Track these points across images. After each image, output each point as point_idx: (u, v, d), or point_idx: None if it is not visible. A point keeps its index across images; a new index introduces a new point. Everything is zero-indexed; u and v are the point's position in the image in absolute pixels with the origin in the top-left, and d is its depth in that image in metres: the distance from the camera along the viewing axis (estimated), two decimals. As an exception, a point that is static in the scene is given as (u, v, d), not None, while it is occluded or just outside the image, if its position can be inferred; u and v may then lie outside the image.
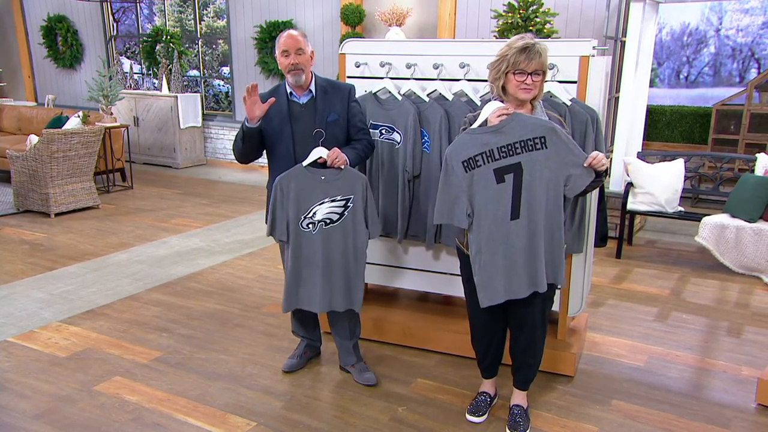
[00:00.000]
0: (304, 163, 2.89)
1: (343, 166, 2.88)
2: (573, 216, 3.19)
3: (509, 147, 2.47)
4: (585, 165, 2.47)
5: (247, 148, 3.00)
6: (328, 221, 2.92)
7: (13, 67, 11.06)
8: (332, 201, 2.91)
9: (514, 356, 2.82)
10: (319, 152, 2.87)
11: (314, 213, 2.92)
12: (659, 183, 5.21)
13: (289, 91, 3.01)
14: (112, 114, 7.50)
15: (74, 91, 10.45)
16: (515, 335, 2.77)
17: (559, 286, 2.72)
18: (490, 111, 2.49)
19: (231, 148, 3.06)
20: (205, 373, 3.30)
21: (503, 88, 2.54)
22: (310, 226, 2.93)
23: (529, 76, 2.46)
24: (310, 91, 3.01)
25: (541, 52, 2.45)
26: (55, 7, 10.24)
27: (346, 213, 2.93)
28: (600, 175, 2.53)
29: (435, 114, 3.25)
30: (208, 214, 6.59)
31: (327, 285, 2.96)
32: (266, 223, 3.13)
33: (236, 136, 3.02)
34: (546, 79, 3.00)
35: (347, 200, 2.92)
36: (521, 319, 2.68)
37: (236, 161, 3.07)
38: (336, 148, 2.89)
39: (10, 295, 4.33)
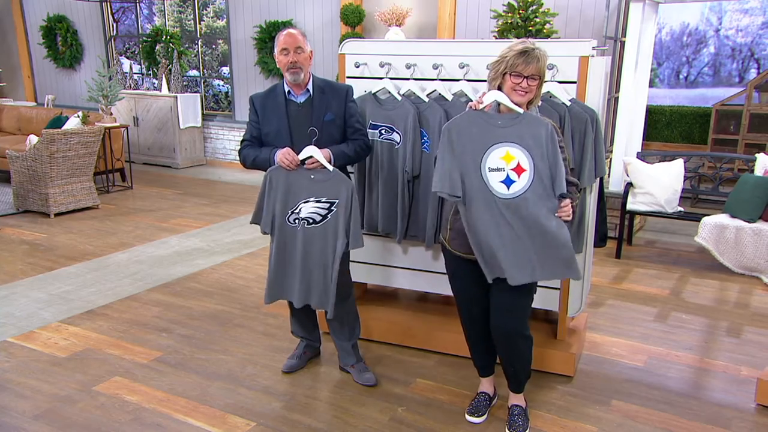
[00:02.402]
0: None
1: (331, 168, 2.90)
2: (573, 216, 3.18)
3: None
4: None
5: (261, 167, 3.04)
6: (310, 220, 2.94)
7: (12, 67, 11.06)
8: (317, 201, 2.93)
9: (500, 363, 2.83)
10: (310, 151, 2.88)
11: (300, 209, 2.94)
12: (659, 183, 5.21)
13: (287, 90, 3.02)
14: (111, 114, 7.50)
15: (74, 91, 10.45)
16: (495, 345, 2.77)
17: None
18: (494, 97, 2.52)
19: (239, 157, 3.13)
20: (205, 374, 3.30)
21: (500, 88, 2.56)
22: (296, 221, 2.95)
23: (525, 80, 2.48)
24: (308, 90, 3.02)
25: (539, 58, 2.47)
26: (54, 7, 10.24)
27: (329, 216, 2.94)
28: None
29: (435, 114, 3.25)
30: (208, 214, 6.60)
31: (304, 281, 2.98)
32: None
33: (250, 155, 3.03)
34: (546, 80, 3.01)
35: (332, 204, 2.93)
36: (497, 328, 2.68)
37: (241, 165, 3.15)
38: (327, 150, 2.93)
39: (10, 296, 4.33)
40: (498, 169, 2.50)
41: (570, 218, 2.56)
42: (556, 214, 2.52)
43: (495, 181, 2.50)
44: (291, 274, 3.01)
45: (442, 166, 2.56)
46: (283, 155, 2.89)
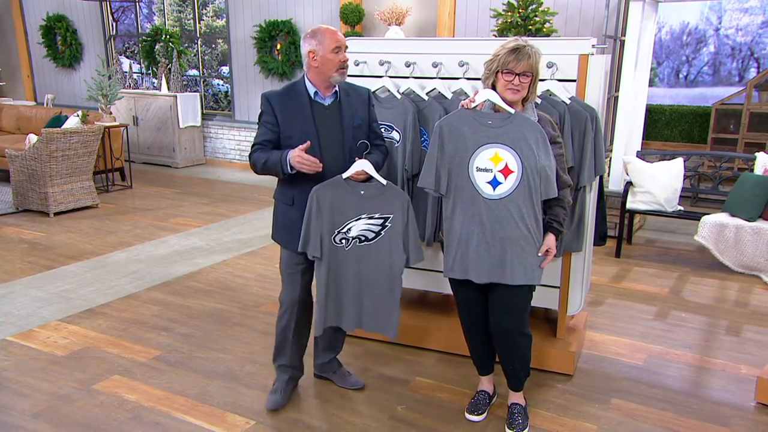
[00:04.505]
0: (344, 175, 2.68)
1: (384, 182, 2.73)
2: (572, 214, 3.19)
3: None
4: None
5: (273, 172, 2.72)
6: (362, 238, 2.73)
7: (12, 67, 11.05)
8: (369, 218, 2.71)
9: (500, 361, 2.83)
10: (361, 165, 2.65)
11: (349, 228, 2.71)
12: (658, 182, 5.21)
13: (313, 91, 2.74)
14: (111, 113, 7.50)
15: (73, 90, 10.44)
16: (494, 343, 2.78)
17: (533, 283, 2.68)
18: (486, 96, 2.53)
19: (250, 162, 2.75)
20: (204, 372, 3.30)
21: (494, 87, 2.57)
22: (343, 241, 2.73)
23: (517, 77, 2.50)
24: (335, 92, 2.79)
25: (531, 55, 2.49)
26: (54, 6, 10.23)
27: (382, 232, 2.73)
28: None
29: (434, 113, 3.25)
30: (208, 213, 6.59)
31: (356, 305, 2.80)
32: (273, 237, 2.89)
33: (261, 158, 2.69)
34: (545, 78, 3.01)
35: (386, 219, 2.72)
36: (496, 327, 2.68)
37: (252, 171, 2.78)
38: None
39: (9, 294, 4.33)
40: (486, 170, 2.52)
41: (553, 255, 2.62)
42: (538, 254, 2.56)
43: (482, 181, 2.53)
44: (343, 297, 2.80)
45: (430, 163, 2.60)
46: (301, 161, 2.57)
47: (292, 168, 2.61)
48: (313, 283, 2.89)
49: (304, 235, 2.69)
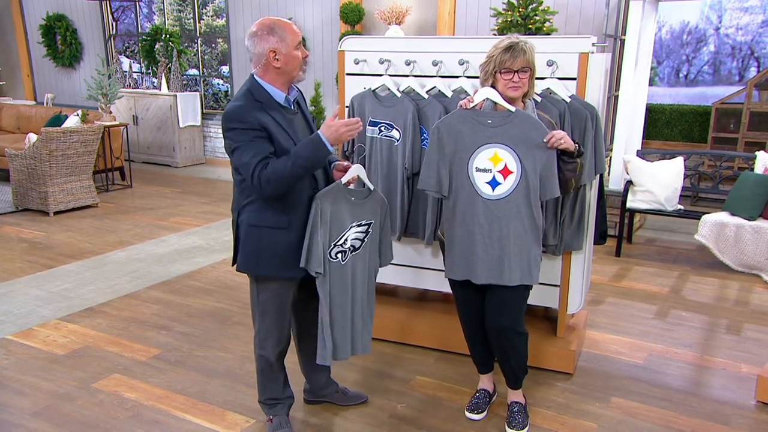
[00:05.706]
0: (343, 180, 2.49)
1: (372, 186, 2.59)
2: (572, 213, 3.18)
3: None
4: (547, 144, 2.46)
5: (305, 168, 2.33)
6: (352, 248, 2.56)
7: (12, 66, 11.05)
8: (359, 225, 2.55)
9: (497, 360, 2.83)
10: (357, 170, 2.49)
11: (345, 239, 2.52)
12: (659, 181, 5.20)
13: (283, 97, 2.42)
14: (111, 113, 7.50)
15: (73, 89, 10.44)
16: (490, 342, 2.77)
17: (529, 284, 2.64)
18: (485, 95, 2.51)
19: (261, 182, 2.28)
20: (204, 371, 3.29)
21: (493, 88, 2.56)
22: (339, 255, 2.52)
23: (516, 74, 2.50)
24: (294, 94, 2.51)
25: (526, 50, 2.49)
26: (54, 5, 10.23)
27: (366, 239, 2.59)
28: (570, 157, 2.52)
29: (434, 111, 3.24)
30: (207, 212, 6.59)
31: (350, 326, 2.61)
32: (250, 270, 2.56)
33: (283, 165, 2.27)
34: (545, 76, 3.01)
35: (369, 225, 2.59)
36: (492, 325, 2.68)
37: (267, 192, 2.32)
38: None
39: (9, 293, 4.33)
40: (485, 170, 2.52)
41: (565, 145, 2.46)
42: (546, 143, 2.45)
43: (481, 182, 2.53)
44: (347, 322, 2.59)
45: (429, 164, 2.60)
46: (349, 128, 2.31)
47: (330, 144, 2.30)
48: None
49: (307, 248, 2.41)
